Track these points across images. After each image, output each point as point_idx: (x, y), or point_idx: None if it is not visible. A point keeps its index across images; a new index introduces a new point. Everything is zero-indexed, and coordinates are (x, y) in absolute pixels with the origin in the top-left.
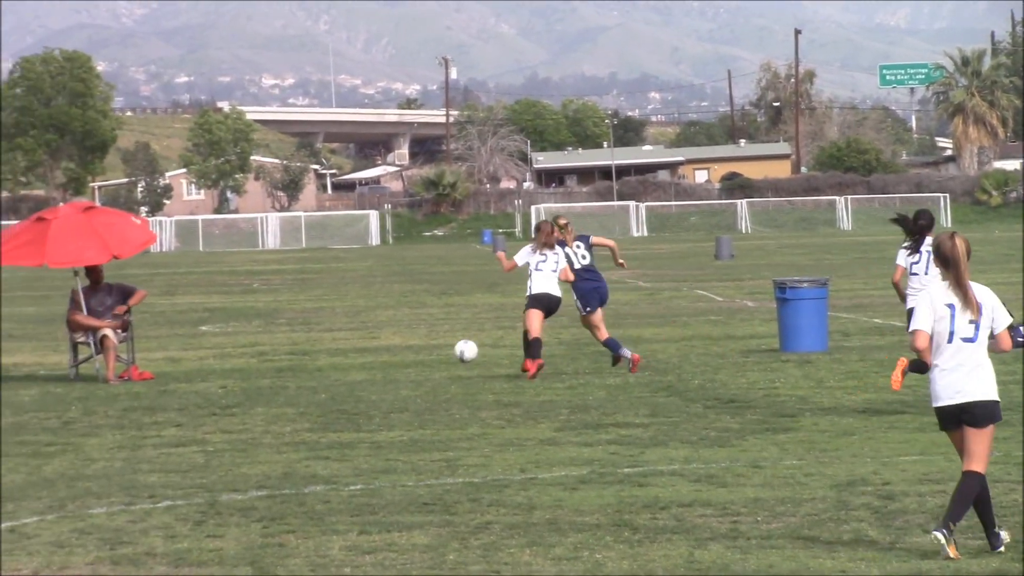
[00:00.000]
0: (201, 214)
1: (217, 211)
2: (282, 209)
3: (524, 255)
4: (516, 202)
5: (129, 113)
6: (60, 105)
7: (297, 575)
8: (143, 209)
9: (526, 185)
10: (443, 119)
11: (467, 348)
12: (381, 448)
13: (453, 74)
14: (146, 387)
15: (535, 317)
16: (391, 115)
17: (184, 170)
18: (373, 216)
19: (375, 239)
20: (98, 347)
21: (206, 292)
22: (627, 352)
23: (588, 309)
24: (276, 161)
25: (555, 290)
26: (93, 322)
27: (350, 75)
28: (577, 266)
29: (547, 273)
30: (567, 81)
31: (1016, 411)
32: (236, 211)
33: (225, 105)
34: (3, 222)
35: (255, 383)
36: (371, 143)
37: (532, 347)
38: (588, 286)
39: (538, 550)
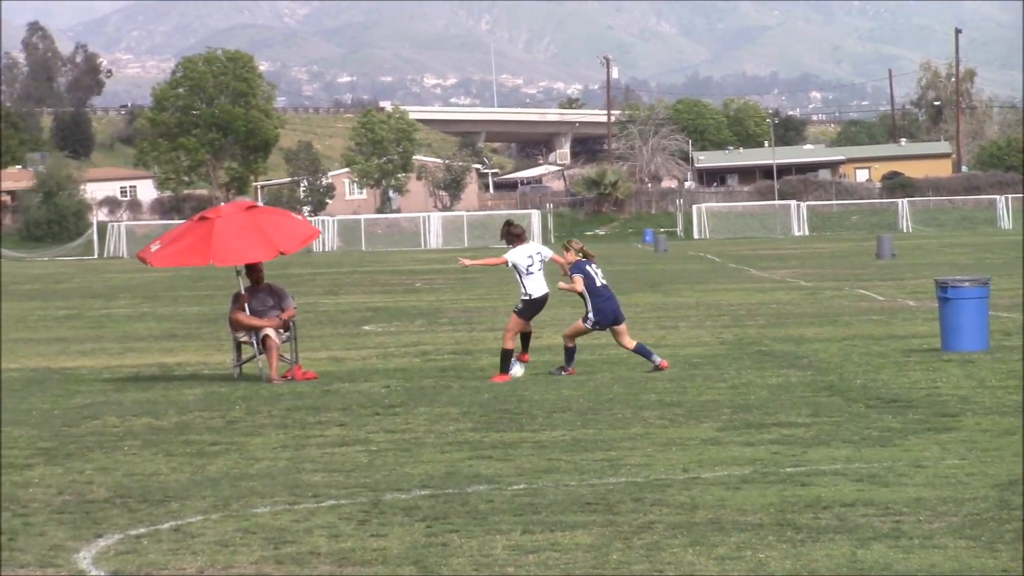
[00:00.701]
0: (363, 214)
1: (379, 211)
2: (444, 208)
3: (517, 256)
4: (677, 201)
5: (291, 113)
6: (223, 105)
7: (461, 574)
8: (305, 208)
9: (687, 184)
10: (604, 118)
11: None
12: (544, 447)
13: (614, 73)
14: (310, 387)
15: (521, 328)
16: (553, 114)
17: (346, 169)
18: (535, 215)
19: (537, 239)
20: (261, 347)
21: (369, 291)
22: (657, 358)
23: (598, 326)
24: (438, 160)
25: (546, 288)
26: (255, 321)
27: (512, 75)
28: (599, 284)
29: (538, 275)
30: (728, 80)
31: (1015, 415)
32: (398, 210)
33: (387, 105)
34: (168, 221)
35: (418, 383)
36: (533, 142)
37: (507, 360)
38: (610, 305)
39: (701, 550)
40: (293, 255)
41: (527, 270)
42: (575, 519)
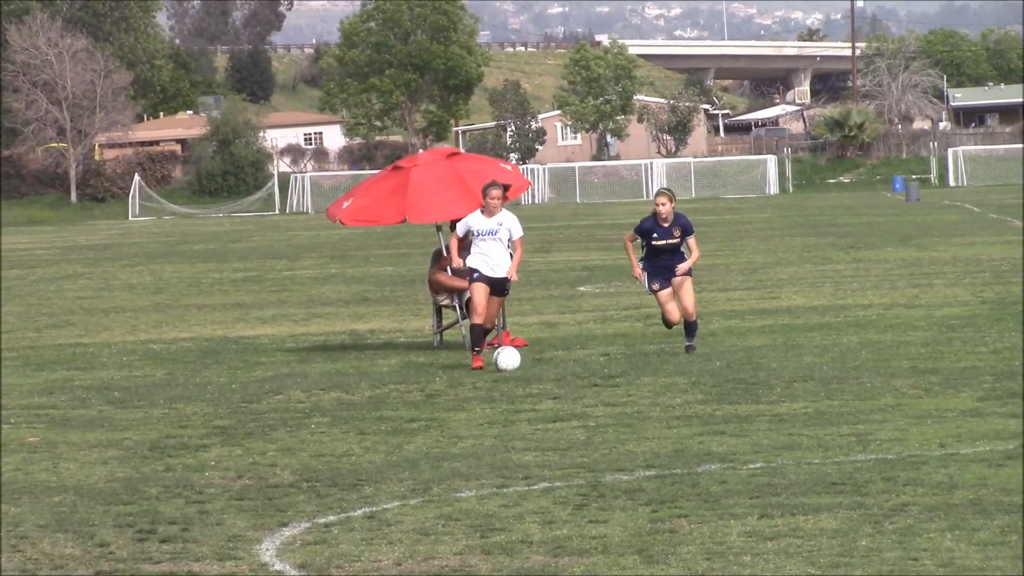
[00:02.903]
0: (578, 161)
1: (596, 157)
2: (669, 154)
3: (468, 223)
4: (931, 144)
5: (496, 49)
6: (420, 41)
7: (691, 564)
8: (513, 156)
9: (942, 125)
10: (848, 52)
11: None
12: (783, 421)
13: (859, 1)
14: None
15: (488, 299)
16: (790, 48)
17: (558, 112)
18: (771, 161)
19: (773, 187)
20: (464, 310)
21: (585, 248)
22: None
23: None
24: (662, 101)
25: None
26: (459, 283)
27: (744, 3)
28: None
29: (500, 244)
30: (986, 8)
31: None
32: (617, 157)
33: (604, 38)
34: (358, 172)
35: (641, 349)
36: (768, 80)
37: (481, 337)
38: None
39: (960, 534)
40: None
41: (480, 235)
42: (819, 501)
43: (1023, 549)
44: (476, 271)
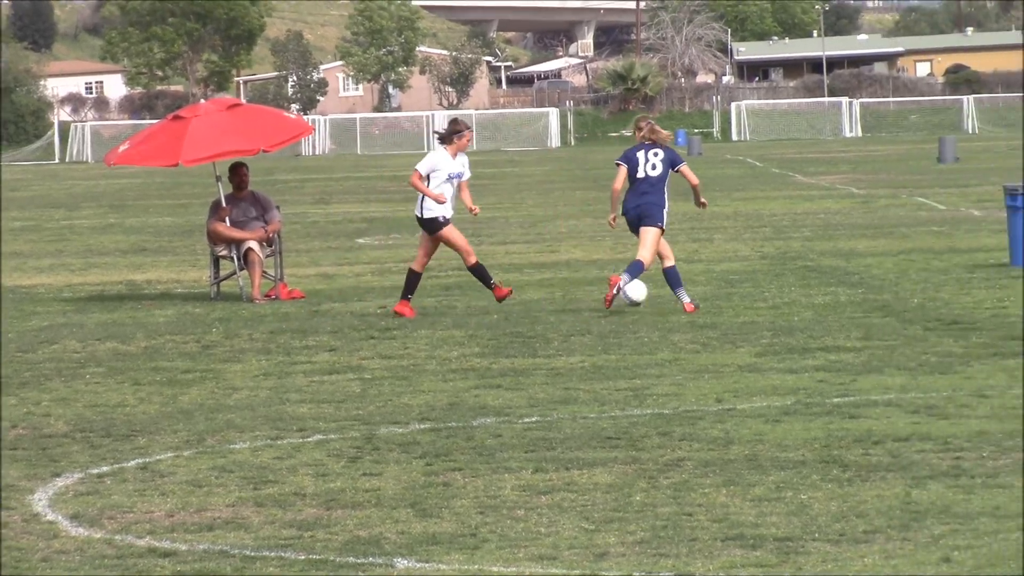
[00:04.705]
0: (359, 112)
1: (377, 109)
2: (450, 106)
3: (436, 162)
4: (714, 98)
5: None
6: None
7: (464, 518)
8: (294, 107)
9: (725, 79)
10: (633, 5)
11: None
12: (560, 375)
13: None
14: (296, 307)
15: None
16: (574, 0)
17: (341, 63)
18: (553, 114)
19: (555, 140)
20: (242, 262)
21: (364, 200)
22: (686, 297)
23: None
24: (444, 52)
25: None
26: (236, 234)
27: None
28: (639, 175)
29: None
30: None
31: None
32: (398, 109)
33: None
34: (138, 121)
35: (418, 302)
36: (551, 32)
37: (414, 283)
38: (631, 202)
39: (735, 490)
40: (279, 158)
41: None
42: (594, 456)
43: (798, 505)
44: (445, 217)
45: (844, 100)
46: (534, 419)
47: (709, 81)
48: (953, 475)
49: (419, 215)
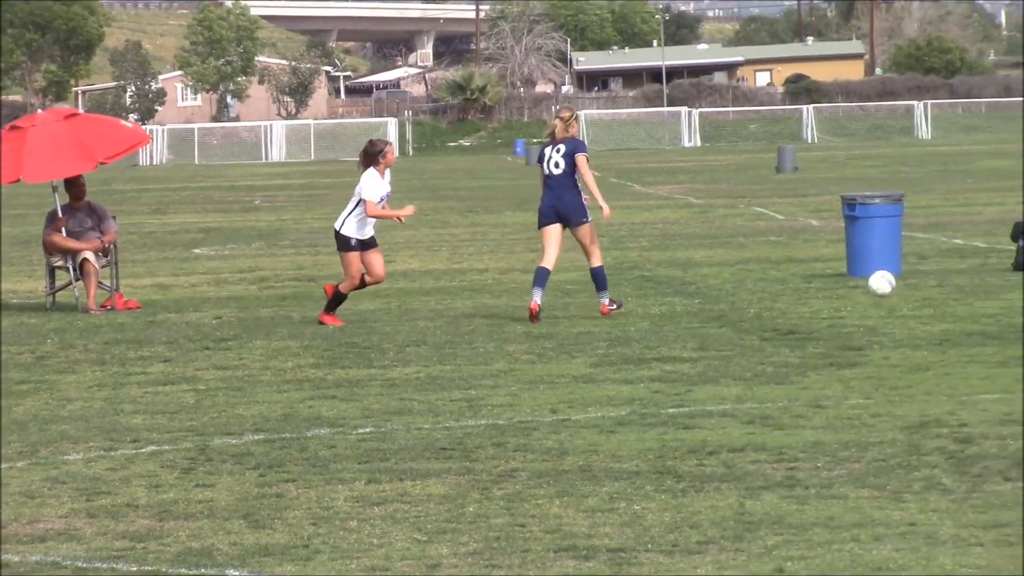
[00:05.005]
0: (197, 122)
1: (215, 119)
2: (289, 116)
3: (381, 185)
4: (553, 108)
5: (119, 8)
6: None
7: (296, 529)
8: (132, 116)
9: (565, 89)
10: (473, 15)
11: (879, 283)
12: (395, 386)
13: None
14: (131, 317)
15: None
16: (414, 10)
17: (179, 72)
18: (392, 124)
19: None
20: (78, 272)
21: (201, 210)
22: (605, 299)
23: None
24: (283, 62)
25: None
26: (72, 244)
27: None
28: (545, 172)
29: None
30: None
31: (929, 348)
32: (237, 119)
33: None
34: None
35: (254, 313)
36: (391, 42)
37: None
38: (547, 200)
39: (569, 501)
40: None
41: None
42: (428, 467)
43: (631, 516)
44: (358, 240)
45: (683, 110)
46: (368, 430)
47: (548, 91)
48: (787, 486)
49: (337, 229)
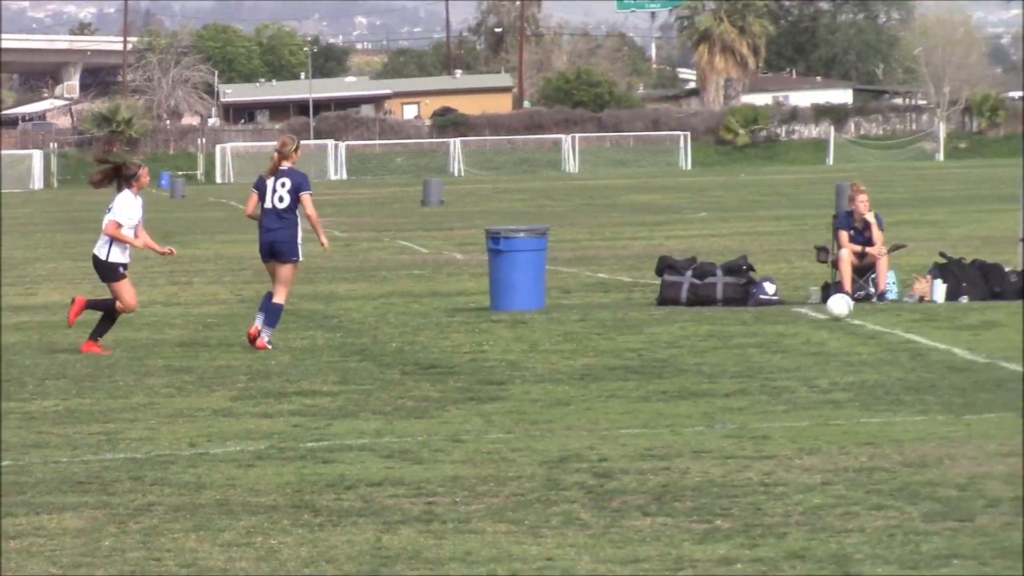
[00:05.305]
0: None
1: None
2: None
3: (133, 208)
4: (199, 141)
5: None
6: None
7: None
8: None
9: (211, 121)
10: (121, 47)
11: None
12: (33, 419)
13: None
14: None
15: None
16: (61, 41)
17: None
18: (37, 156)
19: (38, 182)
20: None
21: None
22: (267, 335)
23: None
24: None
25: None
26: None
27: None
28: (267, 206)
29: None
30: (261, 6)
31: (570, 382)
32: None
33: None
34: None
35: None
36: (38, 74)
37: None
38: (266, 237)
39: (205, 535)
40: None
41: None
42: (64, 500)
43: (267, 551)
44: (125, 266)
45: (330, 142)
46: (5, 463)
47: (195, 123)
48: (425, 520)
49: (102, 257)
